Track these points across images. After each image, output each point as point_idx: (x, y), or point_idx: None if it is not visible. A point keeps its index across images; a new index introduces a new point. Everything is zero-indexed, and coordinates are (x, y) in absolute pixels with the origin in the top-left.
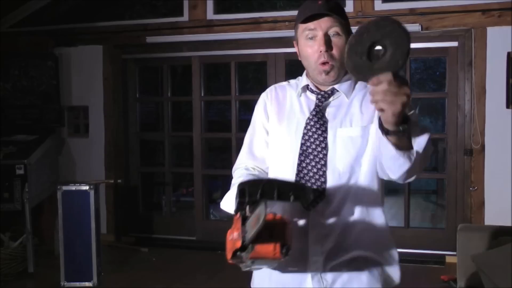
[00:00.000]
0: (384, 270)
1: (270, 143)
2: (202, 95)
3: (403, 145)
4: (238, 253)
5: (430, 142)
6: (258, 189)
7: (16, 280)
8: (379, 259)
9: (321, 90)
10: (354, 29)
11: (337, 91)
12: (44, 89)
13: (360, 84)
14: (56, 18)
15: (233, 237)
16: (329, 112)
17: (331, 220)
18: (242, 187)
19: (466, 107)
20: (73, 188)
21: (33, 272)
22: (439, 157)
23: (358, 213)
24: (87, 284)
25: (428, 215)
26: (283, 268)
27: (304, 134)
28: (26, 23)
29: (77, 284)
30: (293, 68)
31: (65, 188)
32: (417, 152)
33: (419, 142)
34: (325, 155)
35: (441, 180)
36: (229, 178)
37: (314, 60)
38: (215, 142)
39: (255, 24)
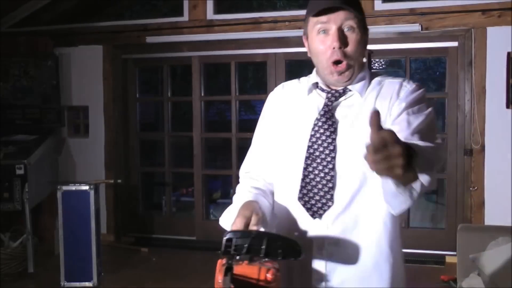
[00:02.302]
0: (388, 279)
1: (276, 146)
2: (202, 95)
3: (406, 180)
4: None
5: (435, 165)
6: (246, 243)
7: (16, 280)
8: (384, 268)
9: (331, 89)
10: None
11: (350, 90)
12: (44, 89)
13: (374, 82)
14: (56, 18)
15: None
16: (339, 112)
17: (338, 228)
18: (230, 236)
19: (466, 107)
20: (73, 188)
21: (33, 272)
22: None
23: (367, 222)
24: (87, 284)
25: (428, 215)
26: (286, 276)
27: (312, 136)
28: (26, 23)
29: (77, 284)
30: (293, 68)
31: (65, 188)
32: (422, 185)
33: (424, 177)
34: (334, 158)
35: (441, 180)
36: (229, 178)
37: (326, 58)
38: (215, 142)
39: (255, 24)
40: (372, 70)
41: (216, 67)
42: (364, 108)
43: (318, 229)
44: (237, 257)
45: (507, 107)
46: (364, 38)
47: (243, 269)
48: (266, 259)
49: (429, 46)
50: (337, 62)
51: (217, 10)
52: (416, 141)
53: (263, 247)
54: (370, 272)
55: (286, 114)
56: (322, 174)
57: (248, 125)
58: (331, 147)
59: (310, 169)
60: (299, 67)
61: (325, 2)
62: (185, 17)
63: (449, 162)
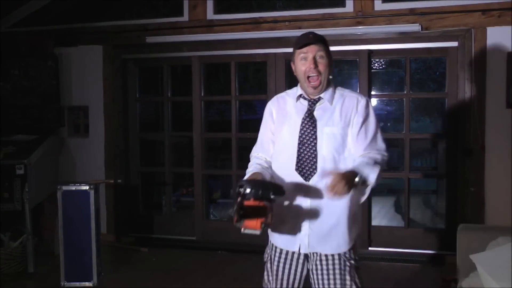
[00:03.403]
0: (350, 223)
1: (277, 138)
2: (202, 95)
3: (359, 188)
4: (235, 223)
5: (375, 181)
6: (249, 188)
7: (16, 280)
8: (347, 214)
9: (311, 98)
10: (353, 28)
11: (322, 98)
12: (44, 89)
13: (338, 93)
14: (56, 18)
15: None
16: (317, 114)
17: (319, 186)
18: (242, 183)
19: (466, 107)
20: (73, 188)
21: (33, 272)
22: (439, 157)
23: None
24: (87, 284)
25: (428, 215)
26: (288, 210)
27: (300, 129)
28: (26, 23)
29: (77, 284)
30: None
31: (65, 188)
32: (370, 188)
33: (366, 191)
34: (315, 144)
35: (441, 180)
36: (229, 178)
37: (306, 75)
38: (215, 142)
39: (255, 24)
40: (373, 70)
41: (216, 67)
42: (333, 112)
43: (308, 187)
44: (246, 196)
45: (507, 107)
46: (330, 63)
47: (249, 202)
48: (263, 197)
49: (429, 46)
50: (311, 79)
51: (217, 10)
52: (370, 149)
53: (260, 190)
54: (336, 211)
55: (283, 117)
56: (309, 154)
57: (248, 125)
58: (314, 137)
59: (302, 150)
60: None
61: (305, 40)
62: (185, 17)
63: (449, 162)
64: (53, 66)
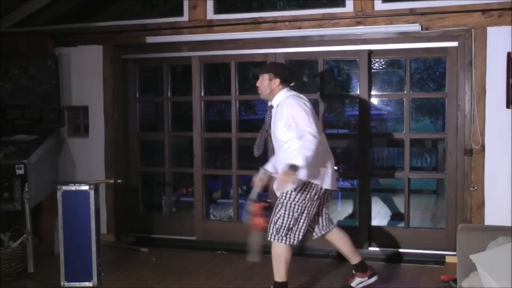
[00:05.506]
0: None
1: None
2: (202, 95)
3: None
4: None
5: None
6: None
7: (16, 280)
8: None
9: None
10: (353, 28)
11: (272, 105)
12: (44, 89)
13: (282, 101)
14: (56, 18)
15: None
16: (272, 113)
17: (277, 151)
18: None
19: (466, 107)
20: (73, 188)
21: (33, 272)
22: (439, 157)
23: (283, 154)
24: (87, 284)
25: (428, 215)
26: None
27: (268, 121)
28: (26, 23)
29: (77, 284)
30: (293, 68)
31: (65, 188)
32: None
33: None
34: (270, 131)
35: (441, 180)
36: (229, 178)
37: None
38: (215, 142)
39: (255, 24)
40: (373, 70)
41: (216, 67)
42: (276, 113)
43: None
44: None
45: (507, 107)
46: (267, 83)
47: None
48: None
49: (429, 46)
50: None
51: (217, 10)
52: (296, 132)
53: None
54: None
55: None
56: (271, 135)
57: (248, 125)
58: (269, 127)
59: (270, 133)
60: (299, 67)
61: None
62: (185, 17)
63: (449, 162)
64: (53, 66)
